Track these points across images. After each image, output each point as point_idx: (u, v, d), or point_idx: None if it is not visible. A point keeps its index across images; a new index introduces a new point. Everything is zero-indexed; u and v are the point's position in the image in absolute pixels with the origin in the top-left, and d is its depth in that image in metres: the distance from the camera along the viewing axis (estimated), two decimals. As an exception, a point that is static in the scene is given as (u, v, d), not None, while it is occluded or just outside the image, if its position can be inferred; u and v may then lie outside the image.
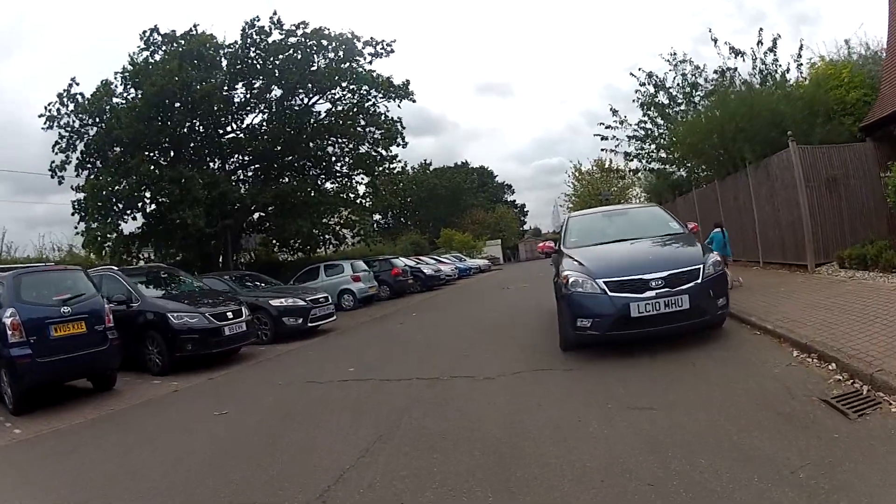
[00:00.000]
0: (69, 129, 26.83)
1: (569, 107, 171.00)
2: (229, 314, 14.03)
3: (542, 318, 14.10)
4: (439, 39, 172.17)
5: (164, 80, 24.90)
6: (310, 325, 17.30)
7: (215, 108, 28.06)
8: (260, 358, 14.67)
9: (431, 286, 34.81)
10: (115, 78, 26.68)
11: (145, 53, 26.97)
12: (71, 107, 26.52)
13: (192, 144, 29.30)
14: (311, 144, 31.82)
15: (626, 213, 13.27)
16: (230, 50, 28.24)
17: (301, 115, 30.68)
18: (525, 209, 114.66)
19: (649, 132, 28.81)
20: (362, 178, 33.76)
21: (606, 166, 55.57)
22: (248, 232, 32.69)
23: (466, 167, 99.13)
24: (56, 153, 26.87)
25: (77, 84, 26.69)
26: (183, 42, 27.11)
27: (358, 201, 34.17)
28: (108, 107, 26.21)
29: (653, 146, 29.09)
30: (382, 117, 31.85)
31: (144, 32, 27.34)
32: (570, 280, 9.31)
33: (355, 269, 27.28)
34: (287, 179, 31.59)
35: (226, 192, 26.53)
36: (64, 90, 26.53)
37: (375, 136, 32.36)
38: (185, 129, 28.15)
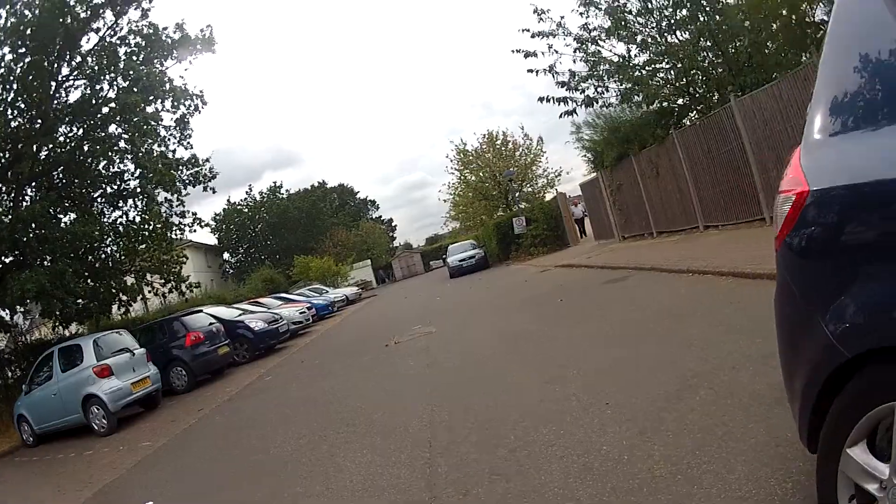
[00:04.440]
0: None
1: (427, 122, 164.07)
2: None
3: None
4: (286, 67, 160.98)
5: None
6: None
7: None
8: None
9: (270, 347, 21.88)
10: None
11: None
12: None
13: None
14: (57, 138, 19.92)
15: None
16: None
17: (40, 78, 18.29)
18: (393, 224, 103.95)
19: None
20: (168, 197, 22.19)
21: (500, 141, 45.12)
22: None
23: (324, 187, 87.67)
24: None
25: None
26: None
27: (159, 230, 21.98)
28: None
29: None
30: (170, 86, 20.95)
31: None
32: None
33: (103, 351, 14.44)
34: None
35: None
36: None
37: (162, 114, 21.25)
38: None
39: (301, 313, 27.88)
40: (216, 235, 68.97)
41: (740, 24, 16.05)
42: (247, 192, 77.26)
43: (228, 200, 73.01)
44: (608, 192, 24.91)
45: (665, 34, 18.15)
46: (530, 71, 19.04)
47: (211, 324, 19.23)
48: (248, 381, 15.99)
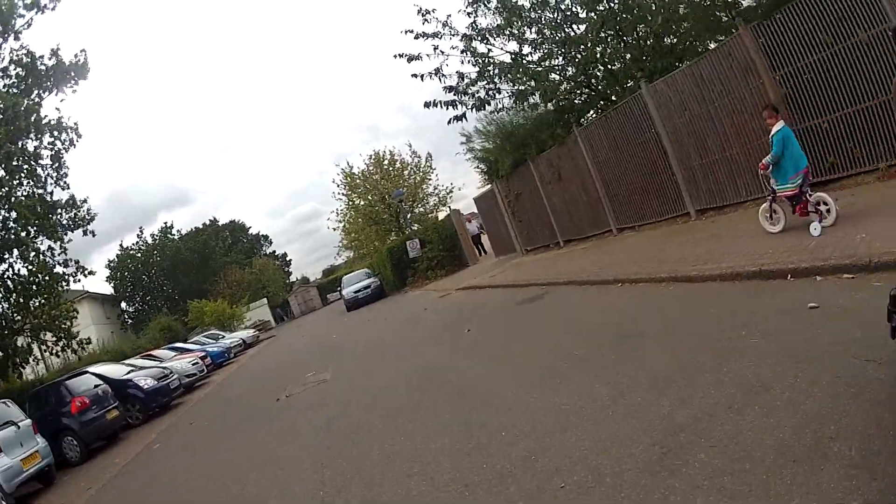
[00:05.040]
0: None
1: (313, 149, 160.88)
2: None
3: None
4: (174, 109, 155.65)
5: None
6: None
7: None
8: None
9: (163, 405, 19.42)
10: None
11: None
12: None
13: None
14: None
15: None
16: None
17: None
18: (288, 258, 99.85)
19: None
20: (52, 245, 21.22)
21: (387, 161, 43.56)
22: None
23: (215, 224, 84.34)
24: None
25: None
26: None
27: (46, 282, 20.88)
28: None
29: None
30: (35, 117, 19.64)
31: None
32: None
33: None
34: None
35: None
36: None
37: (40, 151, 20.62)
38: None
39: (194, 364, 25.12)
40: (112, 284, 65.63)
41: (648, 5, 14.71)
42: (138, 236, 72.22)
43: (121, 246, 69.32)
44: (505, 203, 23.19)
45: (563, 26, 16.64)
46: (415, 76, 17.30)
47: (97, 386, 16.84)
48: (137, 451, 13.70)
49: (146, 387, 18.98)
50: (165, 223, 75.53)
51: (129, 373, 20.07)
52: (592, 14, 15.93)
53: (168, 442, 13.69)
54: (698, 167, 12.72)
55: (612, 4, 15.61)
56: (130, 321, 64.65)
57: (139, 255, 69.23)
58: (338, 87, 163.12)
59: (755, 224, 9.22)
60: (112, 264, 67.10)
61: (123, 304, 66.80)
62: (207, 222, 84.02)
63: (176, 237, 72.91)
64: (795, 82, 10.24)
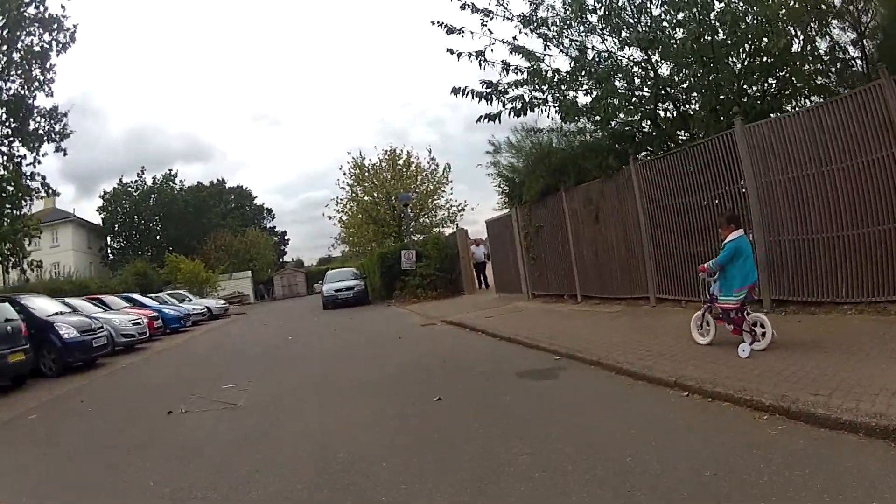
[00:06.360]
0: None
1: (337, 141, 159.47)
2: None
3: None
4: (215, 67, 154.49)
5: None
6: None
7: None
8: None
9: (87, 361, 17.07)
10: None
11: None
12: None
13: None
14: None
15: None
16: None
17: None
18: (286, 237, 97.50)
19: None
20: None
21: (402, 161, 40.94)
22: None
23: (222, 185, 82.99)
24: None
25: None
26: None
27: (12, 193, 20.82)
28: None
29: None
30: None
31: None
32: None
33: None
34: None
35: None
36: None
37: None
38: None
39: (135, 324, 21.62)
40: (102, 216, 65.04)
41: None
42: (139, 175, 69.90)
43: (120, 181, 67.86)
44: (522, 234, 20.04)
45: (644, 38, 13.32)
46: (450, 51, 14.14)
47: (8, 320, 14.49)
48: (12, 416, 11.18)
49: (66, 337, 16.52)
50: (169, 170, 73.72)
51: (56, 314, 17.65)
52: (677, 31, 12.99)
53: (45, 417, 11.06)
54: (789, 244, 9.85)
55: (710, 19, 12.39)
56: (112, 258, 63.65)
57: (136, 193, 67.52)
58: (373, 86, 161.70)
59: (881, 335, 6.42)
60: (107, 196, 66.26)
61: (108, 239, 66.04)
62: (215, 181, 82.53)
63: (177, 187, 70.88)
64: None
